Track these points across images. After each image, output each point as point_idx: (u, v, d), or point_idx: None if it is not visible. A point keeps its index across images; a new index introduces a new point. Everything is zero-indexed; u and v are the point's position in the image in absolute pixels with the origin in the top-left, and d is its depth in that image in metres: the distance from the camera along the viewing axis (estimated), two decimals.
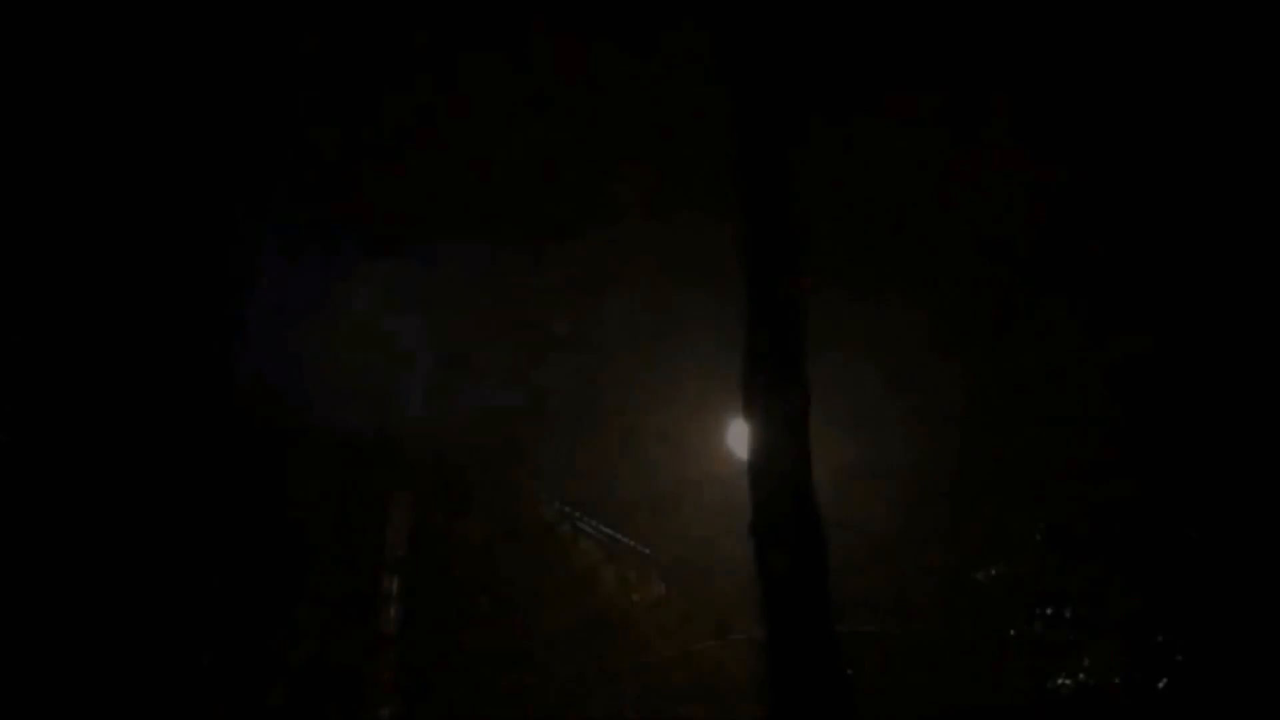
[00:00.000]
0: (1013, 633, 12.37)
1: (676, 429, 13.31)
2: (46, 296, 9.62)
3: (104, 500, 9.47)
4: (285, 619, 11.60)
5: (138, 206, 9.70)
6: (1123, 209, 10.84)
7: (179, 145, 9.80)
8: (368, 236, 11.92)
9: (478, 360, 12.85)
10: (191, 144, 9.88)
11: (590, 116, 11.20)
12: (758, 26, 5.89)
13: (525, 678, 12.96)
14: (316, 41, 10.39)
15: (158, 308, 9.65)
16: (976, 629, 12.58)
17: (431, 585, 12.73)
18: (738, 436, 11.74)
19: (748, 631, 12.34)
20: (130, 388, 9.56)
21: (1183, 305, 11.10)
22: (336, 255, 11.72)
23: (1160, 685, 11.01)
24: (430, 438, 12.85)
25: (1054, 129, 10.24)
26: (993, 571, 12.55)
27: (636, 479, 13.72)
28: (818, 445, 5.59)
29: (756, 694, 11.69)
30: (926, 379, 12.12)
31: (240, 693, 11.28)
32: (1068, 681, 11.83)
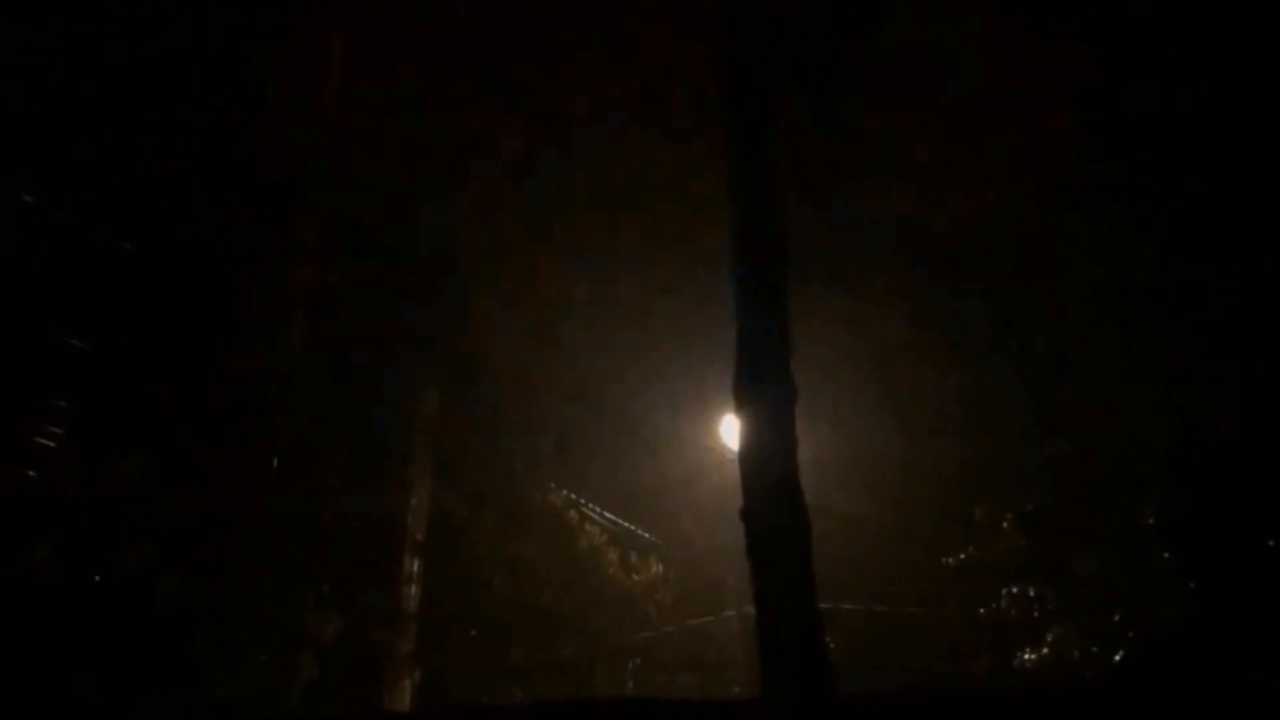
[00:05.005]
0: (981, 611, 12.32)
1: (674, 423, 13.29)
2: (102, 306, 9.62)
3: (150, 489, 9.45)
4: (315, 598, 11.55)
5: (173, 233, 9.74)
6: (1103, 222, 10.77)
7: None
8: (378, 238, 11.91)
9: (487, 358, 12.82)
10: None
11: (591, 129, 11.17)
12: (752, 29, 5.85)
13: (536, 651, 12.92)
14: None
15: (191, 316, 9.65)
16: (948, 608, 12.54)
17: (449, 566, 12.69)
18: (729, 430, 11.72)
19: (738, 608, 12.31)
20: (169, 388, 9.55)
21: (1142, 309, 11.07)
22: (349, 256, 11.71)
23: (1116, 659, 10.96)
24: (446, 430, 12.83)
25: (1045, 137, 10.15)
26: (963, 555, 12.50)
27: (637, 469, 13.70)
28: (803, 438, 5.55)
29: (746, 664, 11.74)
30: (903, 377, 12.08)
31: (274, 665, 11.24)
32: (1031, 656, 11.78)
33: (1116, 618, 11.34)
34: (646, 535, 13.93)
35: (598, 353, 12.86)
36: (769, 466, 5.42)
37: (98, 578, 8.94)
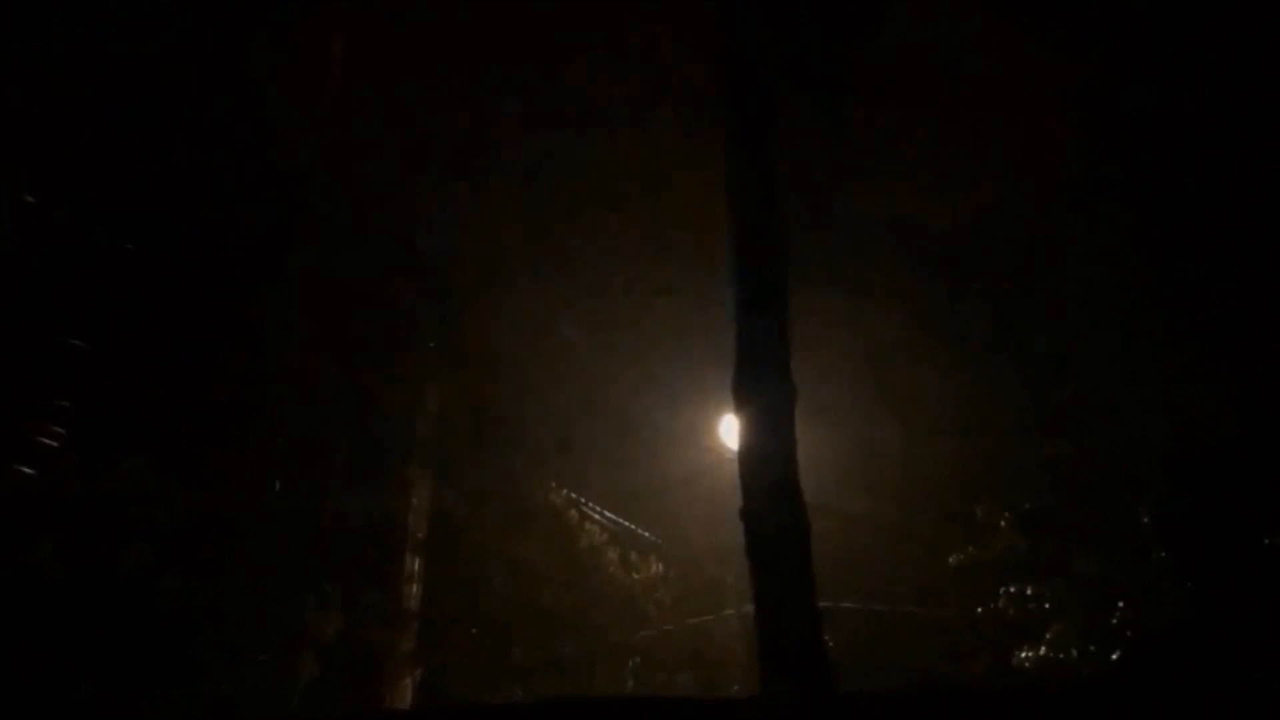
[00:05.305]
0: (980, 610, 12.32)
1: (674, 423, 13.30)
2: (104, 306, 9.61)
3: (154, 488, 9.45)
4: (316, 597, 11.55)
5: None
6: (1103, 222, 10.76)
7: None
8: (386, 242, 11.92)
9: (492, 361, 12.83)
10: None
11: (591, 129, 11.17)
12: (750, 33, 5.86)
13: (536, 650, 12.92)
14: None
15: (192, 316, 9.64)
16: (947, 607, 12.54)
17: (450, 565, 12.68)
18: (729, 430, 11.71)
19: (738, 607, 12.32)
20: (169, 388, 9.55)
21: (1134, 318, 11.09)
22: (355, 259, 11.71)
23: (1114, 658, 10.95)
24: (448, 429, 12.84)
25: (1045, 137, 10.13)
26: (962, 555, 12.49)
27: (637, 469, 13.71)
28: (803, 438, 5.54)
29: (746, 663, 11.74)
30: (903, 377, 12.09)
31: (275, 664, 11.24)
32: (1030, 655, 11.78)
33: (1115, 617, 11.33)
34: (646, 534, 13.93)
35: (598, 353, 12.87)
36: (768, 466, 5.41)
37: (99, 577, 8.93)
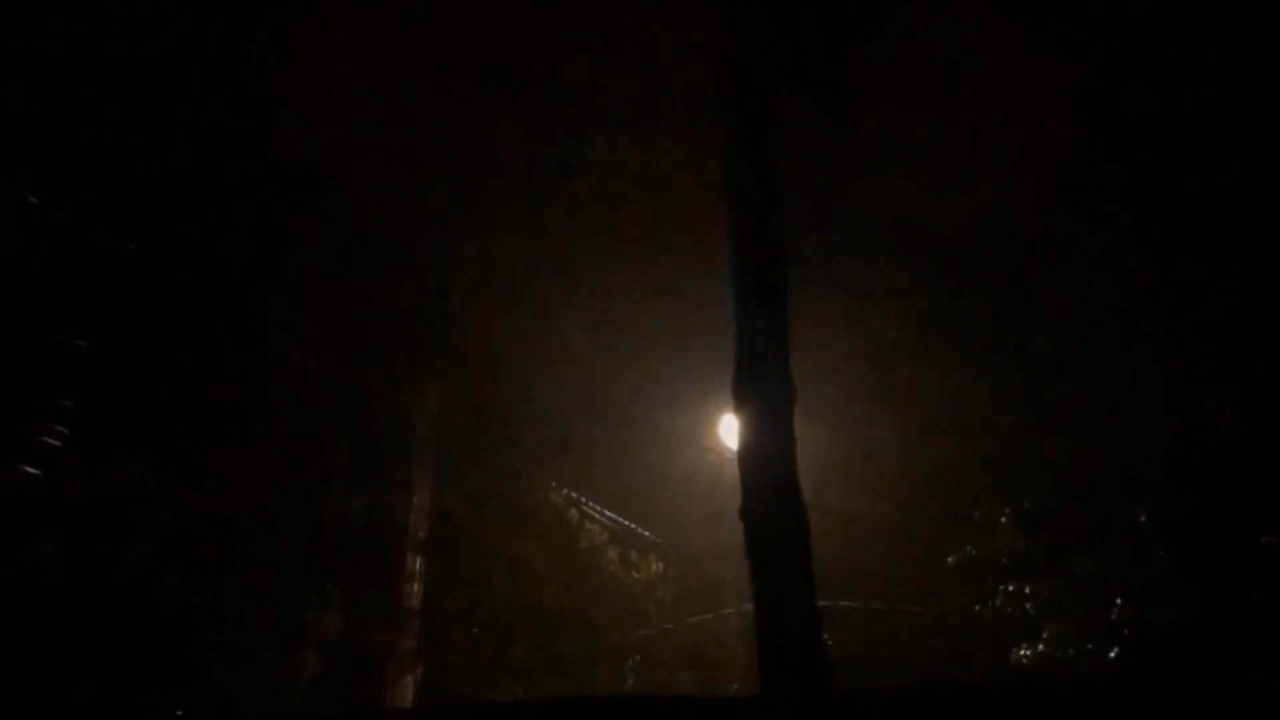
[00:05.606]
0: (978, 609, 12.33)
1: (674, 423, 13.31)
2: (104, 306, 9.60)
3: (154, 488, 9.44)
4: (317, 596, 11.57)
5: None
6: (1103, 222, 10.77)
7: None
8: (386, 242, 11.93)
9: (492, 361, 12.84)
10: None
11: (591, 129, 11.17)
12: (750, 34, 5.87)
13: (536, 649, 12.93)
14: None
15: (193, 315, 9.63)
16: (946, 605, 12.55)
17: (450, 565, 12.70)
18: (729, 430, 11.72)
19: (738, 606, 12.33)
20: (170, 388, 9.54)
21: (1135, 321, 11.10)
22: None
23: (1112, 656, 10.97)
24: (448, 429, 12.86)
25: (1045, 137, 10.14)
26: (961, 554, 12.50)
27: (637, 469, 13.72)
28: (802, 437, 5.55)
29: (746, 662, 11.74)
30: (903, 377, 12.10)
31: (277, 663, 11.25)
32: (1027, 653, 11.79)
33: (1113, 615, 11.34)
34: (647, 534, 13.94)
35: (598, 353, 12.88)
36: (768, 466, 5.43)
37: (100, 577, 8.92)
